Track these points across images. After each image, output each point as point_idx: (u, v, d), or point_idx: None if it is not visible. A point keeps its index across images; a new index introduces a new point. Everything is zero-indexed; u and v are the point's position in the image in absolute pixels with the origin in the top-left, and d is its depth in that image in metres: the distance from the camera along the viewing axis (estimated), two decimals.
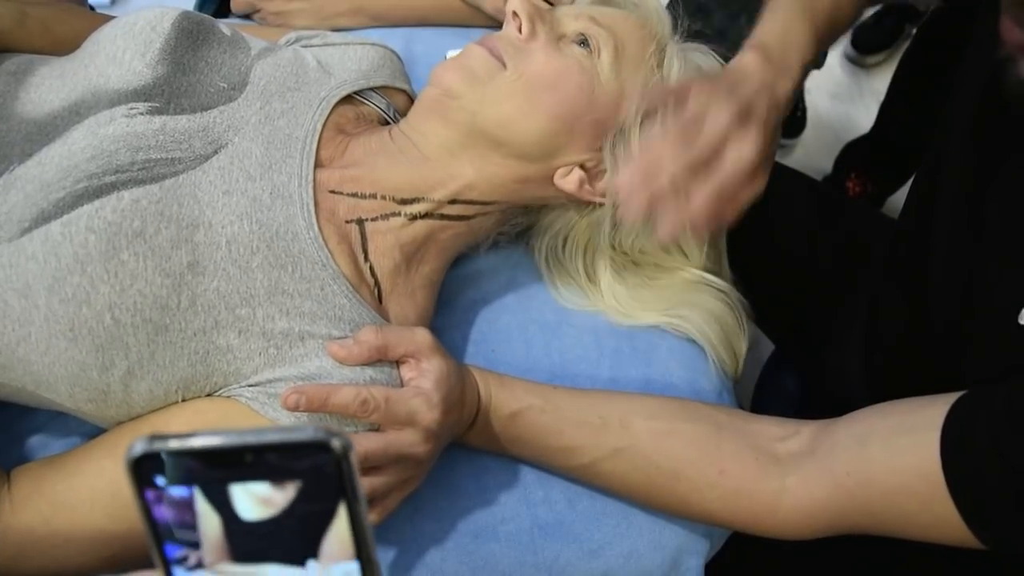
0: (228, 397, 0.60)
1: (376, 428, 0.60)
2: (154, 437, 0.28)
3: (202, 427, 0.59)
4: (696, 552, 0.73)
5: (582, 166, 0.71)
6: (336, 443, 0.28)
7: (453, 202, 0.70)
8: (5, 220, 0.59)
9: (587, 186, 0.71)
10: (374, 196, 0.69)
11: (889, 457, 0.58)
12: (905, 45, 1.75)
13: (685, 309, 0.79)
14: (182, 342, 0.58)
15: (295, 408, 0.56)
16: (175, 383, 0.59)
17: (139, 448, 0.28)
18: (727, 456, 0.65)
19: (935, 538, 0.57)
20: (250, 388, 0.60)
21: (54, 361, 0.58)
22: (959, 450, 0.55)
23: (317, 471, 0.28)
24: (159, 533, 0.29)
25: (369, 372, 0.61)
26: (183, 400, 0.61)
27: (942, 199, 0.67)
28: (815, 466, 0.62)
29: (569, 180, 0.70)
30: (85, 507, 0.58)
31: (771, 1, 0.69)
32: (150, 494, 0.29)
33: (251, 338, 0.60)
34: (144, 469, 0.28)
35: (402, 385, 0.63)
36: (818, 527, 0.63)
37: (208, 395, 0.61)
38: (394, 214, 0.69)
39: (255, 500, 0.29)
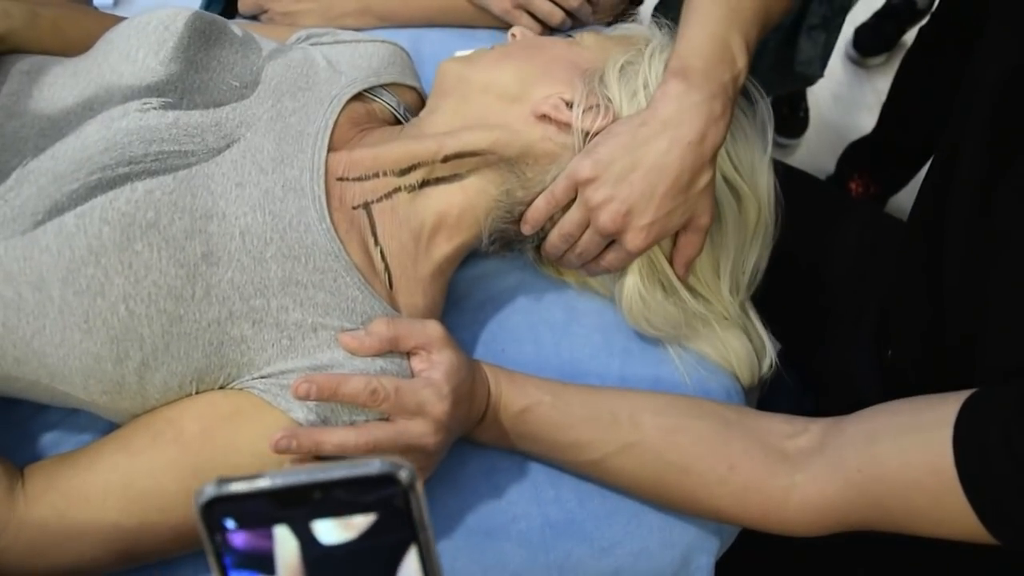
0: (241, 389, 0.61)
1: (386, 418, 0.60)
2: (221, 480, 0.28)
3: (215, 419, 0.59)
4: (706, 550, 0.73)
5: (561, 98, 0.71)
6: (403, 474, 0.28)
7: (445, 160, 0.70)
8: (19, 213, 0.60)
9: (565, 111, 0.71)
10: (376, 175, 0.70)
11: (900, 453, 0.58)
12: (906, 47, 1.76)
13: (704, 345, 0.79)
14: (196, 333, 0.59)
15: (305, 397, 0.57)
16: (189, 374, 0.60)
17: (208, 493, 0.28)
18: (736, 452, 0.65)
19: (946, 534, 0.57)
20: (262, 380, 0.61)
21: (69, 353, 0.58)
22: (971, 446, 0.55)
23: (385, 503, 0.28)
24: (226, 571, 0.29)
25: (380, 363, 0.62)
26: (197, 392, 0.61)
27: (954, 195, 0.67)
28: (825, 463, 0.62)
29: (547, 103, 0.71)
30: (98, 501, 0.58)
31: (688, 6, 0.71)
32: (220, 536, 0.28)
33: (265, 329, 0.60)
34: (214, 512, 0.28)
35: (413, 377, 0.63)
36: (828, 523, 0.63)
37: (221, 387, 0.61)
38: (396, 190, 0.70)
39: (328, 528, 0.29)
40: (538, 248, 0.77)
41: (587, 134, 0.70)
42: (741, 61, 0.69)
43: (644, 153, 0.65)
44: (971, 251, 0.65)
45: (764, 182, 0.75)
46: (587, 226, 0.70)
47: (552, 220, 0.73)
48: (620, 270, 0.74)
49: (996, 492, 0.54)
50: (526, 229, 0.73)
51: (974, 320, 0.63)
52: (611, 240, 0.70)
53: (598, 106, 0.70)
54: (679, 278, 0.74)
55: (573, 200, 0.70)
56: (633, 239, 0.68)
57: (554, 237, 0.73)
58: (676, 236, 0.72)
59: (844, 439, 0.62)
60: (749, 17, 0.70)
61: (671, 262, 0.74)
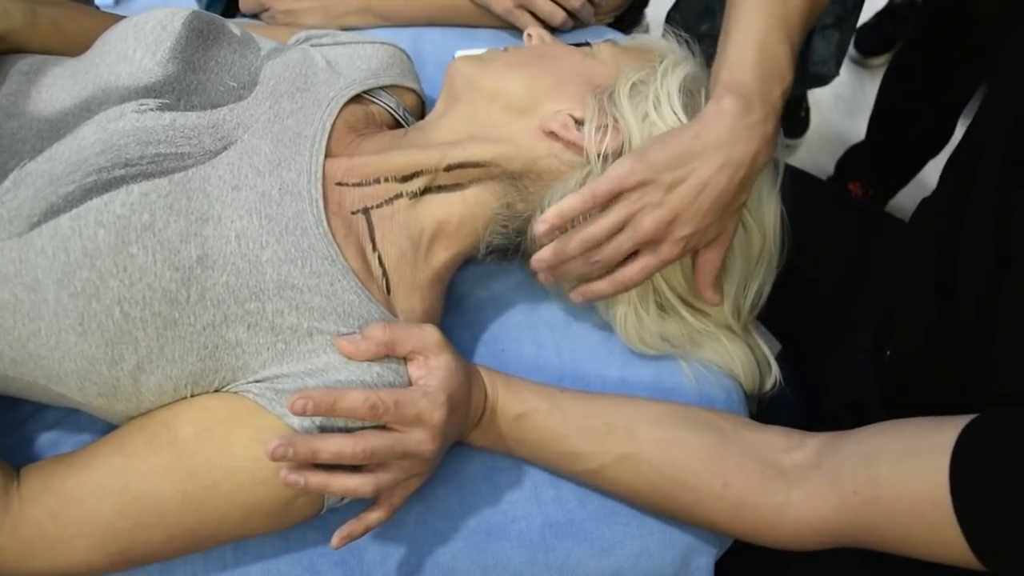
0: (235, 393, 0.61)
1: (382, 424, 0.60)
2: None
3: (209, 423, 0.59)
4: (706, 551, 0.73)
5: (570, 115, 0.71)
6: None
7: (448, 168, 0.70)
8: (15, 215, 0.60)
9: (573, 130, 0.70)
10: (377, 181, 0.69)
11: (897, 479, 0.58)
12: None
13: (707, 353, 0.79)
14: (191, 336, 0.59)
15: (302, 413, 0.56)
16: (184, 377, 0.60)
17: None
18: (732, 468, 0.65)
19: (939, 559, 0.57)
20: (257, 384, 0.60)
21: (64, 355, 0.58)
22: (968, 477, 0.54)
23: None
24: None
25: (376, 368, 0.61)
26: (192, 395, 0.61)
27: (974, 201, 0.65)
28: (821, 482, 0.62)
29: (555, 120, 0.70)
30: (93, 501, 0.58)
31: (735, 11, 0.69)
32: None
33: (260, 332, 0.60)
34: None
35: (410, 383, 0.63)
36: (821, 540, 0.63)
37: (216, 391, 0.61)
38: (397, 196, 0.70)
39: None
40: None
41: (598, 155, 0.69)
42: (789, 74, 0.68)
43: (695, 167, 0.65)
44: (988, 262, 0.64)
45: (771, 214, 0.74)
46: (616, 231, 0.68)
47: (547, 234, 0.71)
48: (636, 285, 0.71)
49: (992, 527, 0.53)
50: (541, 228, 0.67)
51: (985, 333, 0.63)
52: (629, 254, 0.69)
53: (607, 126, 0.70)
54: (708, 300, 0.73)
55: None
56: (669, 249, 0.67)
57: (574, 242, 0.68)
58: (693, 256, 0.71)
59: (841, 459, 0.62)
60: (796, 24, 0.69)
61: (696, 282, 0.73)
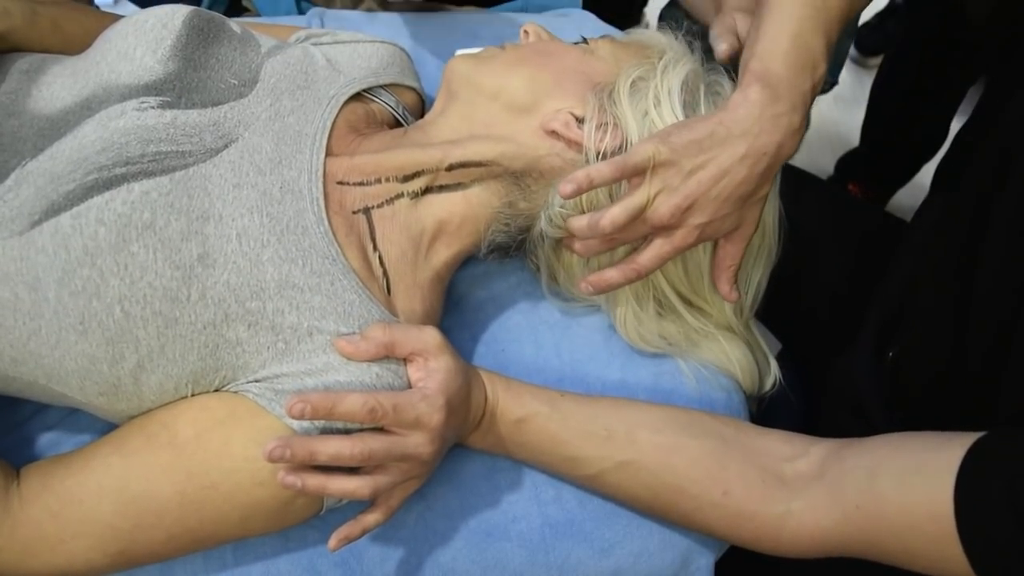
0: (235, 393, 0.61)
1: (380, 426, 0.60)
2: None
3: (209, 423, 0.59)
4: (706, 552, 0.73)
5: (571, 114, 0.70)
6: None
7: (450, 168, 0.70)
8: (17, 214, 0.59)
9: (575, 129, 0.70)
10: (379, 181, 0.69)
11: (901, 495, 0.58)
12: None
13: (706, 354, 0.78)
14: (192, 335, 0.59)
15: (300, 417, 0.56)
16: (185, 376, 0.60)
17: None
18: (732, 476, 0.65)
19: (940, 574, 0.57)
20: (257, 384, 0.60)
21: (64, 355, 0.58)
22: (973, 500, 0.54)
23: None
24: None
25: (375, 369, 0.61)
26: (192, 394, 0.61)
27: (1002, 206, 0.64)
28: (823, 494, 0.62)
29: (557, 119, 0.70)
30: (92, 501, 0.58)
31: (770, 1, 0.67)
32: None
33: (260, 332, 0.60)
34: None
35: (410, 385, 0.63)
36: (821, 551, 0.63)
37: (216, 390, 0.61)
38: (398, 196, 0.70)
39: None
40: (534, 252, 0.76)
41: (598, 154, 0.69)
42: (822, 67, 0.66)
43: (717, 154, 0.63)
44: (1014, 273, 0.63)
45: (771, 210, 0.74)
46: (640, 212, 0.65)
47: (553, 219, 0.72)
48: (649, 272, 0.69)
49: (995, 550, 0.53)
50: (568, 188, 0.63)
51: (1000, 342, 0.62)
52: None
53: (607, 124, 0.69)
54: (724, 295, 0.72)
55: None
56: (684, 236, 0.65)
57: (604, 219, 0.65)
58: (714, 246, 0.71)
59: (845, 470, 0.62)
60: (835, 18, 0.67)
61: (713, 275, 0.72)
